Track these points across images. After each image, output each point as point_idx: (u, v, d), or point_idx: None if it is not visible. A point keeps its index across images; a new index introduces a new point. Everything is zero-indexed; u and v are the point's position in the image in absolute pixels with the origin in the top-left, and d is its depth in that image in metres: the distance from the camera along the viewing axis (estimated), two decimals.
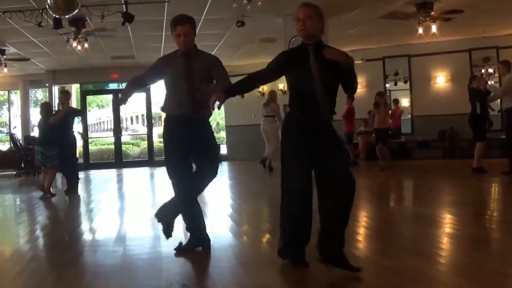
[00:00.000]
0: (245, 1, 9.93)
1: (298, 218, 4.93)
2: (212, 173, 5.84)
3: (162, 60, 5.89)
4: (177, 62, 5.73)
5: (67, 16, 9.98)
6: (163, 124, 6.01)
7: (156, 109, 25.06)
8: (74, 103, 22.80)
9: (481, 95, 12.40)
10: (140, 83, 6.02)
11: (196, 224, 5.92)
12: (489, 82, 13.45)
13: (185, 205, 5.86)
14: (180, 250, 5.81)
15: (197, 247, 5.90)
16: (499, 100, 14.38)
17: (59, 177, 13.72)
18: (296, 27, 4.81)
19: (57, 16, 10.15)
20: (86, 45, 13.05)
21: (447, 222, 7.41)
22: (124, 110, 27.90)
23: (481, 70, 17.16)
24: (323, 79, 4.73)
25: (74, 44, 12.72)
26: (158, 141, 25.58)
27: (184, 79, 5.66)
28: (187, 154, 5.76)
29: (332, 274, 4.73)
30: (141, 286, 4.82)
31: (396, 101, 19.31)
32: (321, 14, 4.82)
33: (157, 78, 5.98)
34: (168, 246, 5.99)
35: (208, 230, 5.92)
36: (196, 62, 5.68)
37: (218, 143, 6.48)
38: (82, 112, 17.06)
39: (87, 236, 7.28)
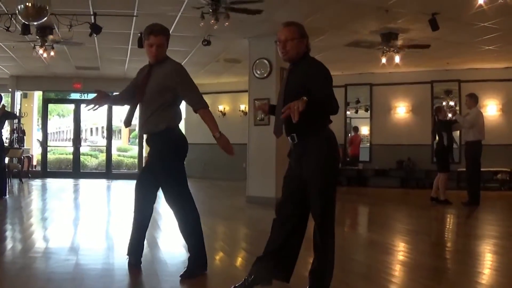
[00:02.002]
0: (212, 21, 10.00)
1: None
2: (172, 204, 5.62)
3: (136, 76, 5.59)
4: (142, 74, 5.47)
5: (35, 23, 9.94)
6: None
7: (117, 122, 24.91)
8: (36, 110, 22.62)
9: (449, 125, 12.68)
10: (116, 98, 5.79)
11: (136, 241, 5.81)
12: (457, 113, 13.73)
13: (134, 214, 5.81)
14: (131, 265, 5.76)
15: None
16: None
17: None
18: (278, 49, 4.66)
19: (26, 22, 10.10)
20: (52, 53, 12.96)
21: (400, 250, 7.53)
22: (85, 121, 27.52)
23: (442, 102, 17.42)
24: (283, 98, 4.54)
25: (41, 51, 12.63)
26: (116, 154, 25.47)
27: (139, 92, 5.35)
28: (149, 171, 5.60)
29: None
30: None
31: (356, 129, 19.55)
32: (303, 32, 4.69)
33: (128, 95, 5.57)
34: (122, 258, 5.99)
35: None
36: (155, 74, 5.29)
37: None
38: (16, 115, 16.94)
39: (40, 244, 7.20)
